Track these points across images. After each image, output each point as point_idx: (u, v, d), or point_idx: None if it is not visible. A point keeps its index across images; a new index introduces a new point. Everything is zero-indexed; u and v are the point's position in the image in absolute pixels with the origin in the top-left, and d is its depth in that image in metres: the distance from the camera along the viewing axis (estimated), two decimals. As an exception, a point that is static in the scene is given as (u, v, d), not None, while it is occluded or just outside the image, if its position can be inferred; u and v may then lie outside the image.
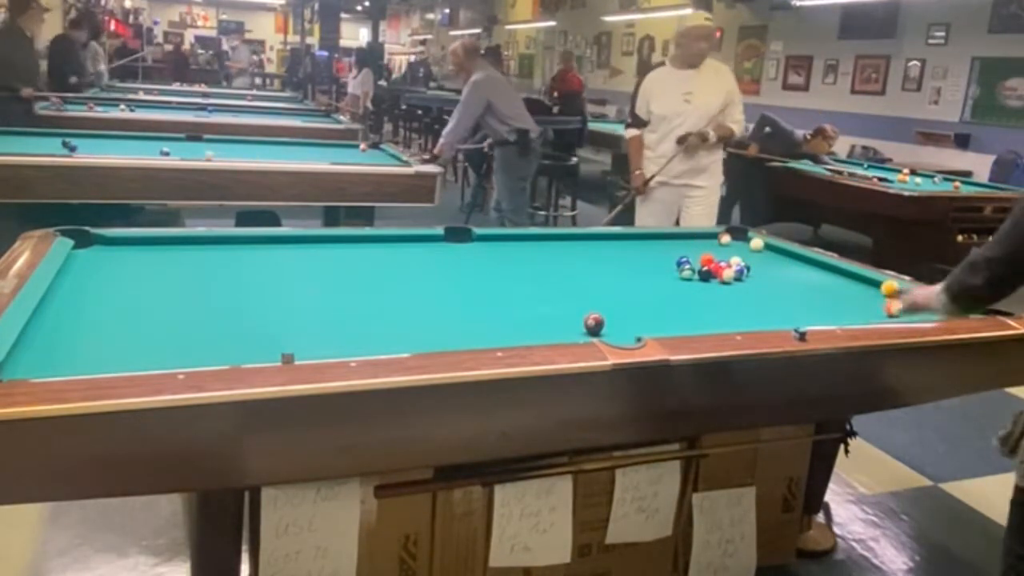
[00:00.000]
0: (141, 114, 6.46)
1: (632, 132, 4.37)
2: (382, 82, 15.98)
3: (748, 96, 11.45)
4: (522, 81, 16.99)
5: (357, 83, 11.98)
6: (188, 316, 1.83)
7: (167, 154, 4.06)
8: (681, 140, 4.12)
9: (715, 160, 4.32)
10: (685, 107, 4.10)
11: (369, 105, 11.76)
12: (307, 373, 1.39)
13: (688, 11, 5.54)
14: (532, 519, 1.84)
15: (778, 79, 10.81)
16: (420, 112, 11.80)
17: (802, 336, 1.78)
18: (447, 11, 23.83)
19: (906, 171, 6.27)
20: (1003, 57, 7.97)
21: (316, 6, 18.21)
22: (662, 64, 4.39)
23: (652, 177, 4.25)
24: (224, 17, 25.31)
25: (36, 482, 1.31)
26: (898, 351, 1.92)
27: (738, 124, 4.25)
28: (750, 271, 2.50)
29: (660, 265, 2.56)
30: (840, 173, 6.06)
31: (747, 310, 2.20)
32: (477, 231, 2.77)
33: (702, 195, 4.28)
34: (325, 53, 16.54)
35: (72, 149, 4.14)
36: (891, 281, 2.36)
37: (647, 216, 4.38)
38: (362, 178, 4.05)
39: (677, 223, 4.38)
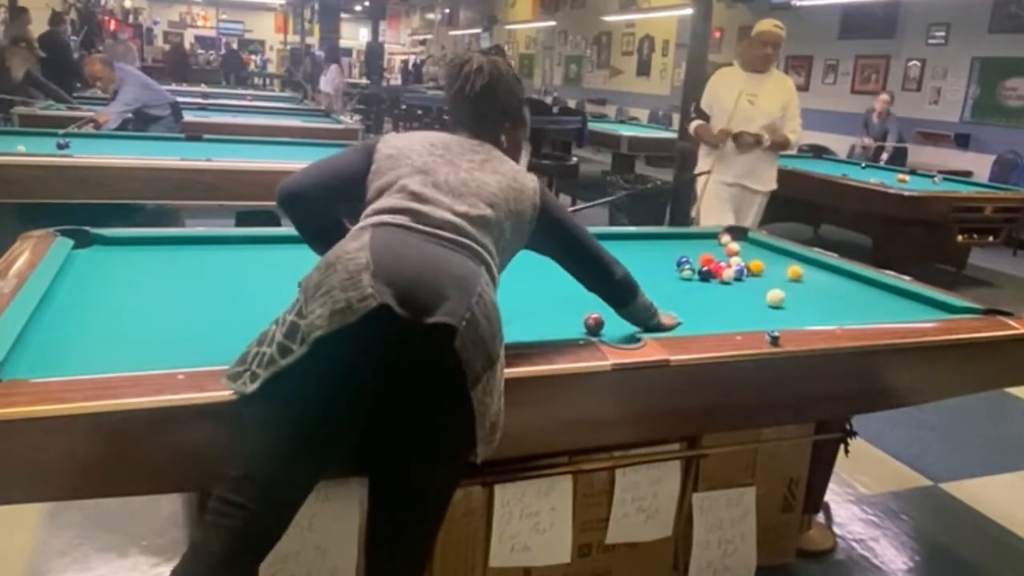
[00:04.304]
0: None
1: (697, 122, 4.51)
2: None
3: (748, 96, 11.46)
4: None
5: (327, 81, 11.75)
6: (188, 316, 1.82)
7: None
8: (736, 137, 4.25)
9: (771, 166, 4.41)
10: (748, 108, 4.22)
11: (336, 105, 10.82)
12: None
13: (688, 11, 5.51)
14: (532, 519, 1.84)
15: (778, 79, 10.78)
16: (420, 112, 11.79)
17: (775, 340, 1.77)
18: (447, 11, 23.83)
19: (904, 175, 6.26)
20: (1003, 57, 7.97)
21: (316, 6, 18.21)
22: (729, 64, 4.51)
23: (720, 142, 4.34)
24: (224, 17, 25.32)
25: (36, 482, 1.31)
26: (898, 351, 1.93)
27: (795, 134, 4.34)
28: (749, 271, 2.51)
29: (660, 265, 2.56)
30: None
31: (747, 310, 2.19)
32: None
33: (758, 200, 4.40)
34: (322, 53, 16.56)
35: (65, 147, 4.15)
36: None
37: (708, 215, 4.47)
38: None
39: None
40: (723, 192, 4.39)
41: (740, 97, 4.21)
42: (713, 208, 4.42)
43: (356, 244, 1.39)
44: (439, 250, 1.43)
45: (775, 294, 2.22)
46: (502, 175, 1.59)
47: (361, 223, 1.50)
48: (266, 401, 1.31)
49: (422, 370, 1.36)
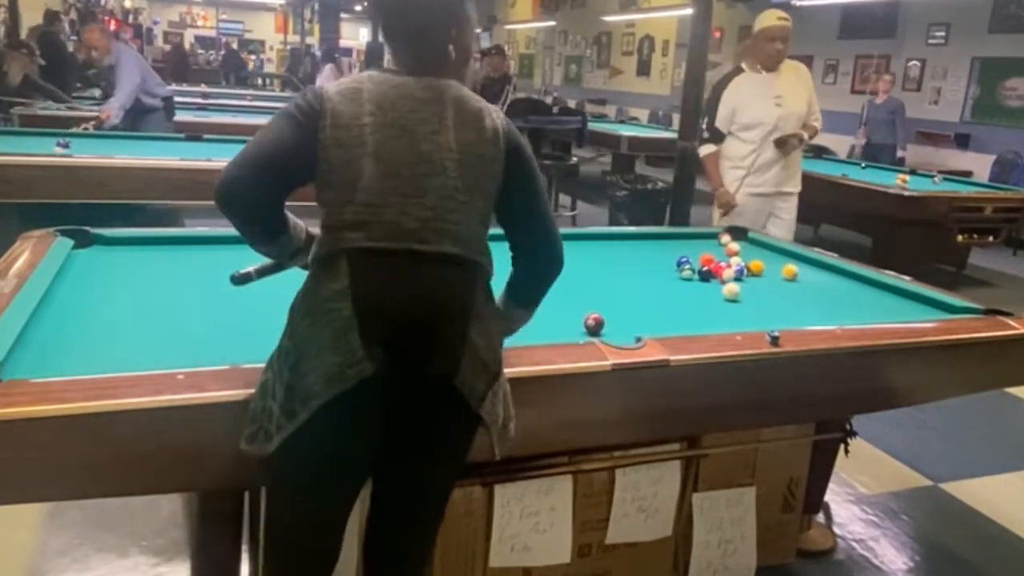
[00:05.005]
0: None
1: (709, 148, 3.99)
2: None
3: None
4: (522, 81, 17.00)
5: (320, 80, 11.83)
6: (188, 316, 1.82)
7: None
8: (780, 143, 3.85)
9: (799, 163, 4.10)
10: (778, 111, 3.82)
11: None
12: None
13: (688, 11, 5.44)
14: (532, 519, 1.84)
15: (778, 79, 10.77)
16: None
17: (775, 340, 1.78)
18: (447, 11, 23.77)
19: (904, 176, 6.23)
20: (1003, 57, 7.97)
21: (316, 6, 18.21)
22: (739, 70, 4.00)
23: (738, 190, 3.92)
24: (224, 17, 25.31)
25: (36, 482, 1.31)
26: (898, 351, 1.93)
27: (819, 121, 4.01)
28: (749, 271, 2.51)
29: (660, 265, 2.56)
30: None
31: (747, 310, 2.20)
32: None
33: (792, 202, 4.04)
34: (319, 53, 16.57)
35: (65, 147, 4.15)
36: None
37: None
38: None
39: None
40: (758, 204, 3.93)
41: (772, 103, 3.81)
42: (749, 223, 3.74)
43: (335, 286, 1.30)
44: (424, 276, 1.33)
45: (730, 288, 2.27)
46: (467, 128, 1.38)
47: (328, 240, 1.35)
48: (285, 458, 1.33)
49: (424, 398, 1.37)
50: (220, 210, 1.38)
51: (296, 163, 1.35)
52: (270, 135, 1.37)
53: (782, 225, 3.99)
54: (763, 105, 3.83)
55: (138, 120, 5.52)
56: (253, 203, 1.36)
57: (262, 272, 1.57)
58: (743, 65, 4.01)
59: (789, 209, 4.05)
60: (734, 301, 2.25)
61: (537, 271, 1.54)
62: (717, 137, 3.97)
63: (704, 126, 4.04)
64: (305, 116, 1.35)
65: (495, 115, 1.44)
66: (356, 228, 1.32)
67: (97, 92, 7.76)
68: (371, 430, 1.37)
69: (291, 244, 1.48)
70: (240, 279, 1.55)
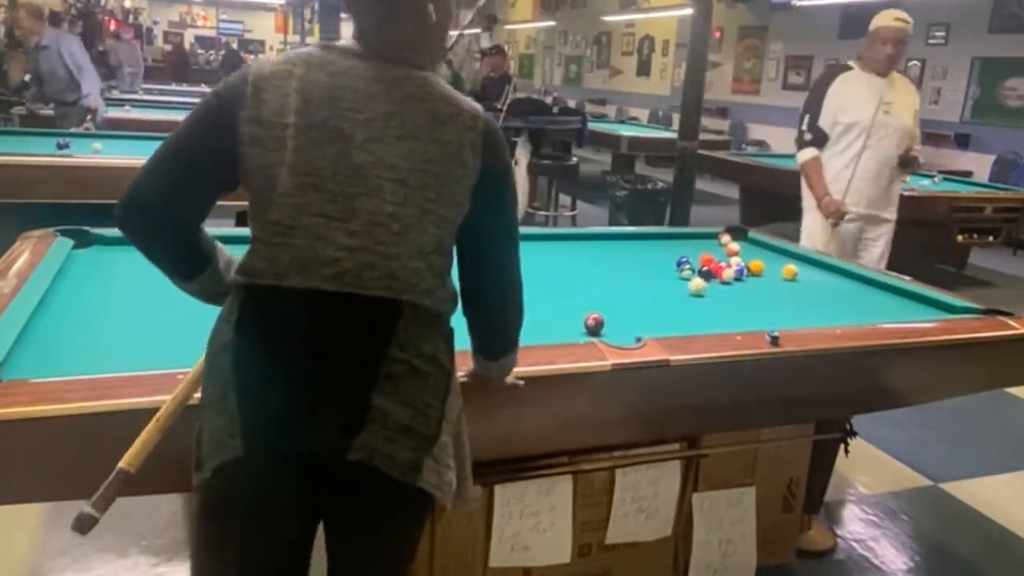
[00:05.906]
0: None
1: (810, 153, 3.54)
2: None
3: (748, 96, 11.48)
4: (522, 81, 17.00)
5: None
6: (188, 316, 1.82)
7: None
8: (907, 161, 3.49)
9: (899, 188, 3.70)
10: (884, 119, 3.41)
11: None
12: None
13: (688, 11, 5.41)
14: (532, 519, 1.84)
15: (778, 79, 10.79)
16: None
17: (775, 340, 1.78)
18: (447, 11, 23.74)
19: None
20: (1003, 57, 7.97)
21: (316, 6, 18.21)
22: (847, 68, 3.58)
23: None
24: (224, 17, 25.32)
25: (36, 482, 1.31)
26: (898, 351, 1.93)
27: (920, 145, 3.61)
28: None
29: (660, 265, 2.56)
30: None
31: (747, 310, 2.19)
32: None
33: (887, 230, 3.65)
34: None
35: (65, 147, 4.16)
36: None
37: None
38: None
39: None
40: (850, 228, 3.57)
41: (879, 107, 3.40)
42: (836, 251, 3.45)
43: (224, 338, 1.14)
44: (321, 326, 1.11)
45: (696, 283, 2.30)
46: (422, 138, 1.12)
47: (240, 263, 1.17)
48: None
49: (329, 474, 1.18)
50: (129, 235, 1.20)
51: (208, 164, 1.13)
52: (178, 131, 1.15)
53: (874, 257, 3.60)
54: (868, 108, 3.40)
55: (65, 108, 5.49)
56: (157, 221, 1.17)
57: (105, 500, 1.18)
58: (851, 63, 3.59)
59: (885, 237, 3.64)
60: (700, 296, 2.26)
61: (486, 323, 1.33)
62: (820, 139, 3.53)
63: (805, 127, 3.57)
64: (222, 101, 1.12)
65: (471, 123, 1.16)
66: (262, 252, 1.12)
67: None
68: (283, 494, 1.19)
69: (219, 283, 1.25)
70: (84, 524, 1.16)
